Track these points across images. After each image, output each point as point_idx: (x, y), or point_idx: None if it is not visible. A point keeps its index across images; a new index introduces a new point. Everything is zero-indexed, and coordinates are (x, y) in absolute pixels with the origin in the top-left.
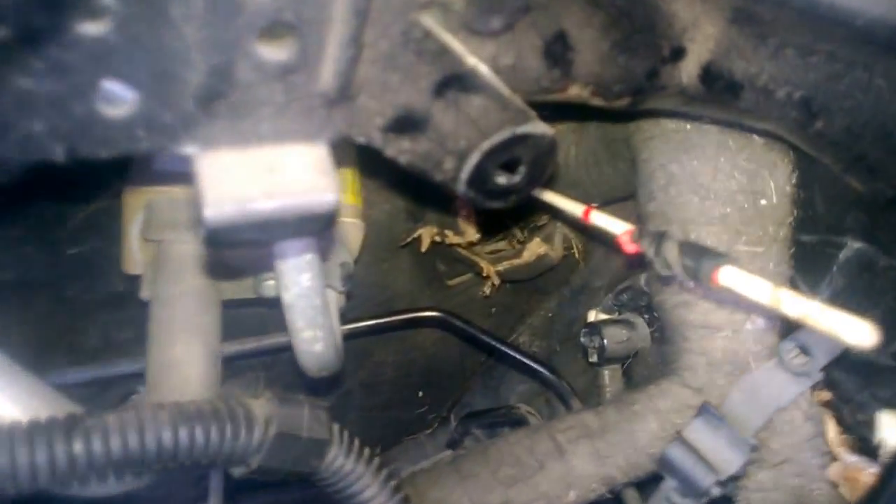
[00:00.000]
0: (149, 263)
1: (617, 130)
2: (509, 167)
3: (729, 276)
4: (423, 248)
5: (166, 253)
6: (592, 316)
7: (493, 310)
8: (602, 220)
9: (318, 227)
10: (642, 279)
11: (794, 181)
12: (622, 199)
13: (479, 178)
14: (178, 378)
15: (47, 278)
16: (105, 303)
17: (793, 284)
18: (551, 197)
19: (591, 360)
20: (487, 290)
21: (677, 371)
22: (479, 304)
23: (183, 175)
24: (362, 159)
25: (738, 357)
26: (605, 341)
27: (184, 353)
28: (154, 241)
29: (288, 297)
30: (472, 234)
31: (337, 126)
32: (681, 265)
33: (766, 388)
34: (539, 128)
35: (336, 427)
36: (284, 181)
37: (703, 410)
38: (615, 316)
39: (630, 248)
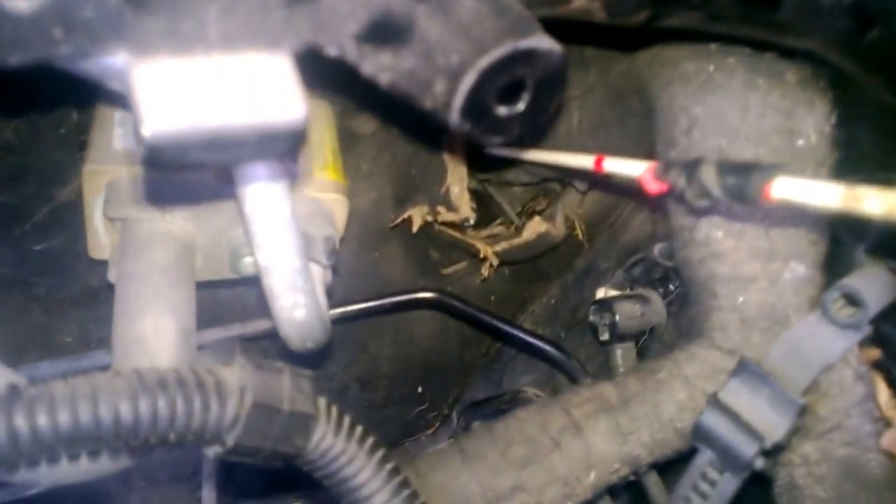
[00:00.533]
0: (115, 246)
1: (627, 84)
2: (511, 94)
3: (785, 187)
4: (415, 229)
5: (131, 230)
6: (602, 293)
7: (492, 298)
8: (617, 165)
9: (281, 148)
10: (656, 249)
11: (833, 121)
12: None
13: (476, 105)
14: (144, 355)
15: (15, 276)
16: (79, 299)
17: (833, 229)
18: (555, 156)
19: (601, 338)
20: (485, 271)
21: (706, 333)
22: (476, 292)
23: None
24: (345, 144)
25: (776, 311)
26: (618, 317)
27: (152, 329)
28: (118, 221)
29: (263, 259)
30: (466, 210)
31: (301, 32)
32: (722, 187)
33: (810, 344)
34: (545, 43)
35: (323, 400)
36: (240, 93)
37: (742, 368)
38: (627, 291)
39: (653, 187)
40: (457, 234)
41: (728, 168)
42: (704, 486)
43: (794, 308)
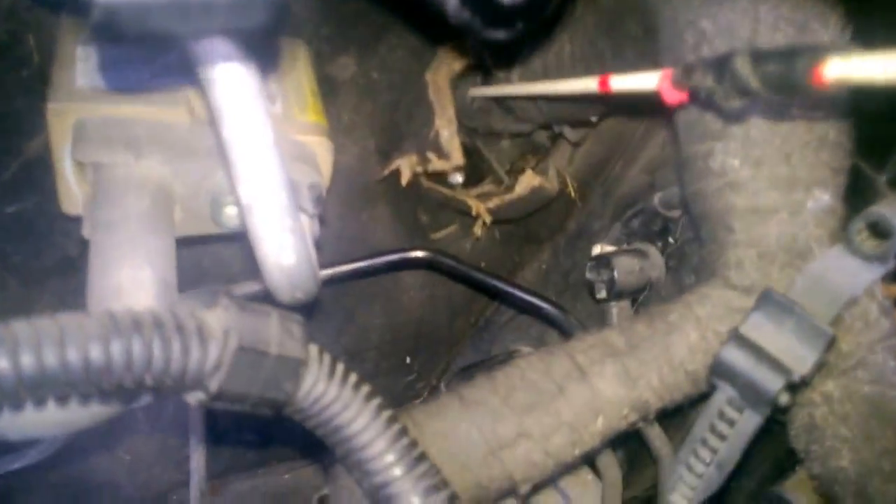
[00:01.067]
0: (89, 198)
1: (623, 5)
2: None
3: (839, 67)
4: (404, 181)
5: (104, 177)
6: (597, 249)
7: (483, 264)
8: (626, 81)
9: (257, 17)
10: (656, 198)
11: (848, 35)
12: None
13: None
14: (121, 307)
15: None
16: (56, 269)
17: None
18: (553, 86)
19: (598, 296)
20: (478, 230)
21: (720, 271)
22: (466, 258)
23: None
24: (322, 92)
25: (797, 243)
26: (616, 273)
27: (129, 281)
28: (89, 166)
29: (245, 195)
30: (457, 156)
31: None
32: (761, 77)
33: (834, 277)
34: None
35: (314, 346)
36: None
37: (765, 300)
38: (624, 247)
39: (674, 96)
40: (447, 192)
41: (766, 56)
42: (722, 426)
43: (817, 240)
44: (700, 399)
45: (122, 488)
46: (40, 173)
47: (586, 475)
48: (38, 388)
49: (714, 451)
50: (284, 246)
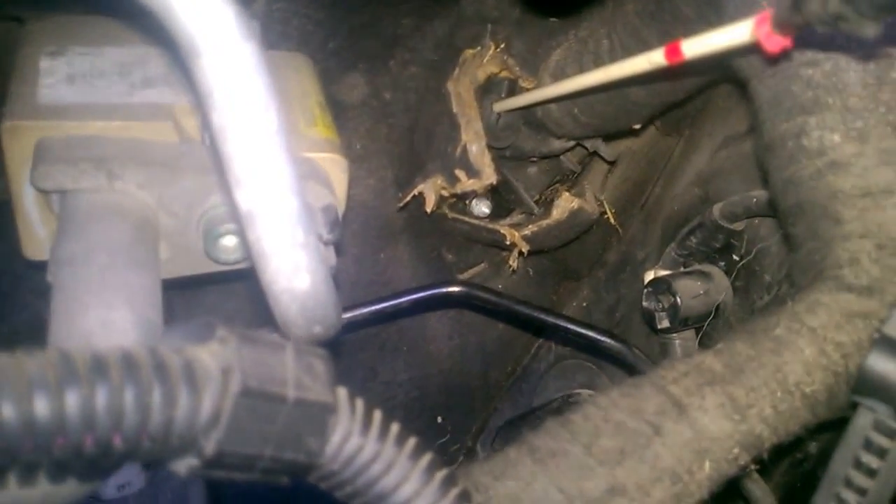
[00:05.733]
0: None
1: None
2: None
3: None
4: (429, 208)
5: (71, 205)
6: (651, 275)
7: None
8: (705, 41)
9: None
10: (716, 211)
11: None
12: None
13: None
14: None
15: None
16: (27, 332)
17: None
18: (604, 72)
19: (660, 326)
20: (513, 262)
21: (829, 271)
22: None
23: None
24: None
25: None
26: (679, 297)
27: (99, 325)
28: (54, 195)
29: (245, 202)
30: (489, 172)
31: None
32: None
33: None
34: None
35: (343, 389)
36: None
37: None
38: (681, 270)
39: (776, 43)
40: (475, 222)
41: None
42: (869, 459)
43: None
44: (816, 431)
45: None
46: (3, 221)
47: None
48: None
49: (862, 492)
50: (297, 265)
